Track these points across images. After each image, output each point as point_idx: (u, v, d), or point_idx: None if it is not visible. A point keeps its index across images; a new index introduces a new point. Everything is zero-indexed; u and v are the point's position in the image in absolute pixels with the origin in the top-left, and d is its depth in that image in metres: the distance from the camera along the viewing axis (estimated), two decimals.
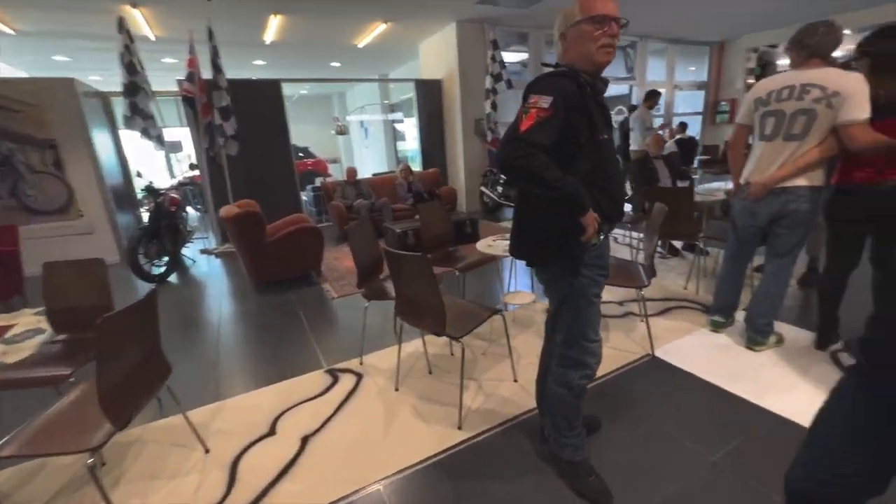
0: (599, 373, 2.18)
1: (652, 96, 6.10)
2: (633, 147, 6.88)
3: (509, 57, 7.16)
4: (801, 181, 2.02)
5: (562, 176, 1.22)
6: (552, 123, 1.21)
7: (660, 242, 4.10)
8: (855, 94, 1.83)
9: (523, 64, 7.41)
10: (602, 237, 1.38)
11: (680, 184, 4.15)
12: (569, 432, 1.52)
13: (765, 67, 8.60)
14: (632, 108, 7.47)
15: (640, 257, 3.82)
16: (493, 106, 6.27)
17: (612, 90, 11.10)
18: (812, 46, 1.97)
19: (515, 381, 2.18)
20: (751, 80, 8.89)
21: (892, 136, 1.87)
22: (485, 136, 6.52)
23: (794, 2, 6.59)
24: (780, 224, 2.13)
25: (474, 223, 5.01)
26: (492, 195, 6.33)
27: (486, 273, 3.85)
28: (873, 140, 1.82)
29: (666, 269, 3.68)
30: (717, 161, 7.08)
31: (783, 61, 9.48)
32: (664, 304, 2.97)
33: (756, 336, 2.33)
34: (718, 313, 2.56)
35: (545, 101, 1.22)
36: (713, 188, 4.14)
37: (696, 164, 7.66)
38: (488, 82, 6.22)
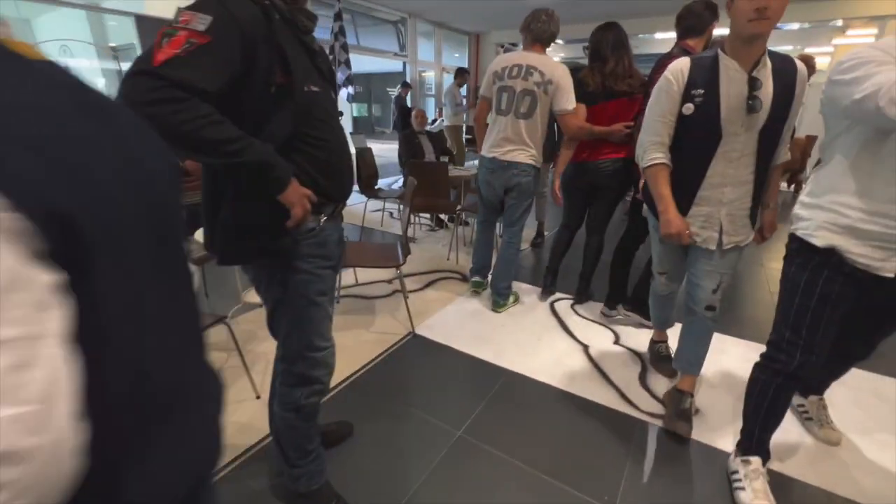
0: (358, 364, 2.00)
1: (461, 74, 6.30)
2: (445, 123, 7.00)
3: None
4: (524, 158, 2.24)
5: (239, 136, 0.86)
6: (214, 56, 0.83)
7: (429, 216, 4.28)
8: (565, 87, 2.09)
9: None
10: (324, 219, 1.10)
11: (442, 160, 4.39)
12: (301, 460, 1.24)
13: None
14: (405, 85, 7.63)
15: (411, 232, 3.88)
16: None
17: (387, 66, 11.32)
18: (535, 32, 2.16)
19: (258, 397, 1.79)
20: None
21: (601, 118, 2.20)
22: None
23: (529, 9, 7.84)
24: (509, 195, 2.36)
25: None
26: None
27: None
28: (580, 127, 2.16)
29: (433, 241, 3.85)
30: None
31: None
32: (430, 276, 3.05)
33: (498, 298, 2.57)
34: (477, 274, 2.77)
35: (201, 22, 0.82)
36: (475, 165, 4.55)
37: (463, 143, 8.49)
38: None
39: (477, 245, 2.74)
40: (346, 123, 8.36)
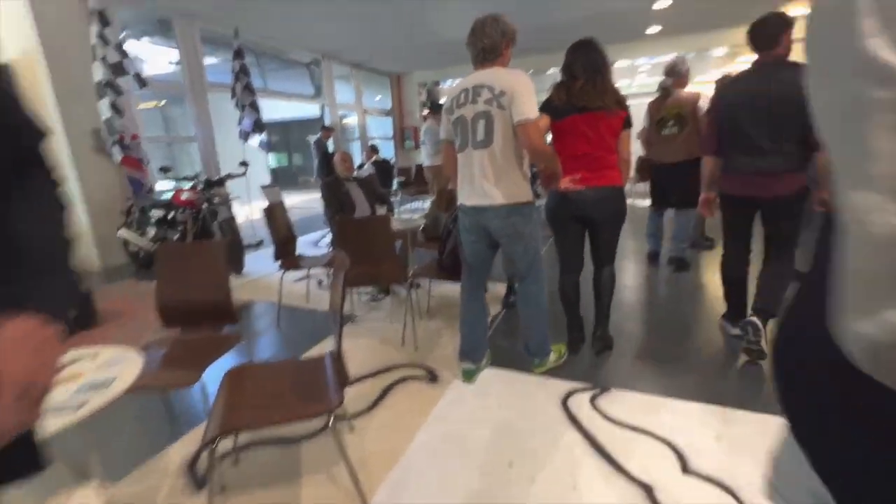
0: None
1: (437, 108, 5.71)
2: (426, 163, 6.12)
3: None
4: (503, 197, 1.83)
5: None
6: None
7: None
8: (522, 93, 1.71)
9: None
10: None
11: (380, 210, 3.56)
12: None
13: (433, 103, 9.75)
14: (325, 128, 6.82)
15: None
16: (116, 108, 4.21)
17: (306, 112, 10.55)
18: (479, 46, 1.81)
19: None
20: (425, 112, 10.00)
21: (567, 132, 1.98)
22: (110, 153, 4.35)
23: (452, 49, 7.55)
24: (504, 246, 1.95)
25: (87, 299, 2.95)
26: (140, 242, 4.24)
27: None
28: (543, 142, 1.81)
29: (379, 318, 2.93)
30: (412, 182, 7.37)
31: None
32: (380, 381, 2.12)
33: (536, 360, 2.13)
34: (467, 358, 2.11)
35: None
36: (412, 209, 3.78)
37: (395, 186, 7.78)
38: (101, 73, 4.13)
39: (465, 318, 2.12)
40: (262, 174, 7.34)
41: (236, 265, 3.95)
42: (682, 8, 6.07)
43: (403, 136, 10.09)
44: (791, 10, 6.67)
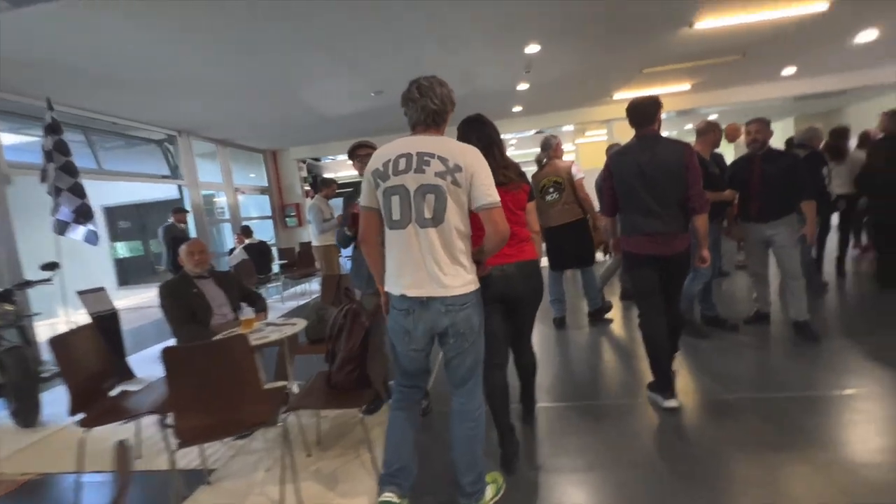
0: None
1: (327, 185, 5.11)
2: (314, 243, 5.35)
3: None
4: (455, 284, 1.51)
5: None
6: None
7: None
8: (483, 173, 1.50)
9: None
10: None
11: (246, 312, 2.84)
12: None
13: (315, 179, 9.33)
14: (178, 210, 5.84)
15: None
16: None
17: (159, 192, 9.21)
18: (419, 107, 1.55)
19: None
20: (307, 188, 9.47)
21: (507, 202, 1.77)
22: None
23: (330, 126, 7.34)
24: (445, 343, 1.57)
25: None
26: None
27: None
28: (507, 227, 1.55)
29: (245, 465, 2.16)
30: (297, 263, 6.62)
31: (333, 173, 10.89)
32: None
33: (470, 501, 1.64)
34: (392, 484, 1.63)
35: None
36: (298, 293, 3.13)
37: (276, 270, 6.91)
38: None
39: (391, 433, 1.70)
40: (93, 268, 5.86)
41: (25, 415, 2.76)
42: (537, 92, 6.81)
43: (284, 213, 9.33)
44: (616, 96, 8.17)
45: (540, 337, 3.76)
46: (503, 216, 1.51)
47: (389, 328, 1.63)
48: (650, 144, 2.26)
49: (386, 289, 1.61)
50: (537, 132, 9.68)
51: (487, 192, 1.48)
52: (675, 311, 2.45)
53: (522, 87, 6.34)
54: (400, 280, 1.54)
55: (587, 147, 11.78)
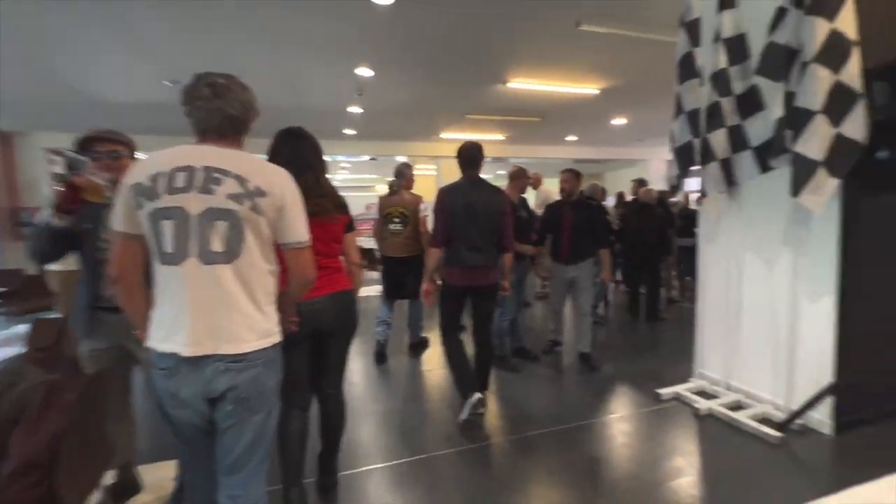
0: None
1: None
2: (52, 266, 3.49)
3: None
4: (248, 340, 1.15)
5: None
6: None
7: None
8: (295, 204, 1.23)
9: None
10: None
11: None
12: None
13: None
14: None
15: None
16: None
17: None
18: (209, 109, 1.17)
19: None
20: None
21: (319, 234, 1.53)
22: None
23: (112, 113, 5.63)
24: (220, 411, 1.16)
25: None
26: None
27: None
28: (315, 272, 1.34)
29: None
30: (23, 292, 4.71)
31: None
32: None
33: None
34: None
35: None
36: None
37: None
38: None
39: None
40: None
41: None
42: (371, 117, 6.71)
43: (17, 219, 6.78)
44: (443, 135, 8.79)
45: (361, 376, 3.43)
46: (311, 259, 1.29)
47: (162, 395, 1.16)
48: (477, 186, 2.53)
49: (151, 344, 1.15)
50: (371, 158, 9.59)
51: (298, 229, 1.23)
52: (486, 341, 2.65)
53: (355, 109, 6.14)
54: (173, 334, 1.11)
55: (416, 180, 12.45)
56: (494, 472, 2.11)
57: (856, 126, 1.90)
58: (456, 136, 8.33)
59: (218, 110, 1.17)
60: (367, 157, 9.43)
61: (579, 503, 1.86)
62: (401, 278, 3.60)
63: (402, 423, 2.64)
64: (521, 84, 5.19)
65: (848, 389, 2.26)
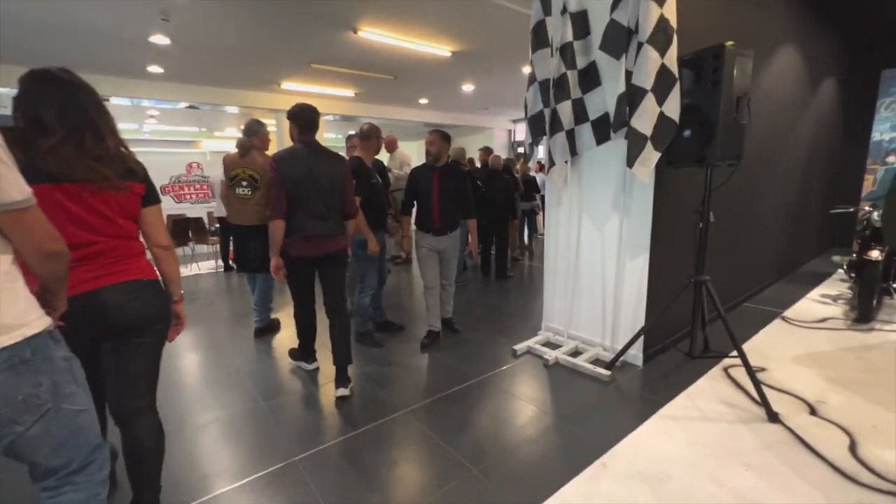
0: None
1: None
2: None
3: None
4: None
5: None
6: None
7: None
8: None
9: None
10: None
11: None
12: None
13: None
14: None
15: None
16: None
17: None
18: None
19: None
20: None
21: (96, 205, 1.29)
22: None
23: None
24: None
25: None
26: None
27: None
28: (56, 242, 1.03)
29: None
30: None
31: None
32: None
33: None
34: None
35: None
36: None
37: None
38: None
39: None
40: None
41: None
42: (185, 55, 5.39)
43: None
44: (286, 85, 7.70)
45: (192, 377, 2.82)
46: (42, 224, 0.98)
47: None
48: (317, 153, 2.44)
49: None
50: (189, 106, 7.88)
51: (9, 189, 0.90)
52: (340, 307, 2.61)
53: (160, 39, 4.80)
54: None
55: None
56: (363, 467, 1.95)
57: (673, 106, 2.19)
58: (300, 88, 7.39)
59: None
60: (183, 105, 7.70)
61: (451, 479, 1.85)
62: (252, 248, 3.19)
63: (251, 430, 2.25)
64: (373, 35, 4.77)
65: (651, 329, 2.76)
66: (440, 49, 5.38)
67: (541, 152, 3.28)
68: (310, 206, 2.38)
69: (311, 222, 2.39)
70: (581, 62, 2.66)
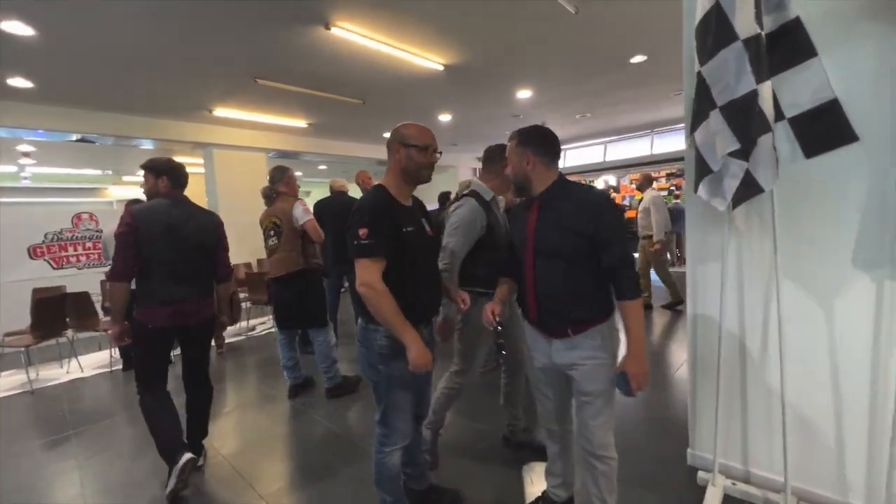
0: None
1: None
2: None
3: None
4: None
5: None
6: None
7: None
8: None
9: None
10: None
11: None
12: None
13: None
14: None
15: None
16: None
17: None
18: None
19: None
20: None
21: None
22: None
23: None
24: None
25: None
26: None
27: None
28: None
29: None
30: None
31: None
32: None
33: None
34: None
35: None
36: None
37: None
38: None
39: None
40: None
41: None
42: (61, 61, 3.73)
43: None
44: (219, 112, 6.02)
45: None
46: None
47: None
48: (184, 205, 2.19)
49: None
50: (80, 139, 5.91)
51: None
52: (205, 380, 2.33)
53: (16, 27, 3.12)
54: None
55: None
56: None
57: None
58: (236, 116, 5.82)
59: None
60: (74, 137, 5.75)
61: None
62: (288, 301, 3.07)
63: None
64: (351, 33, 3.49)
65: None
66: (432, 61, 4.23)
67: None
68: (168, 267, 2.09)
69: (171, 285, 2.10)
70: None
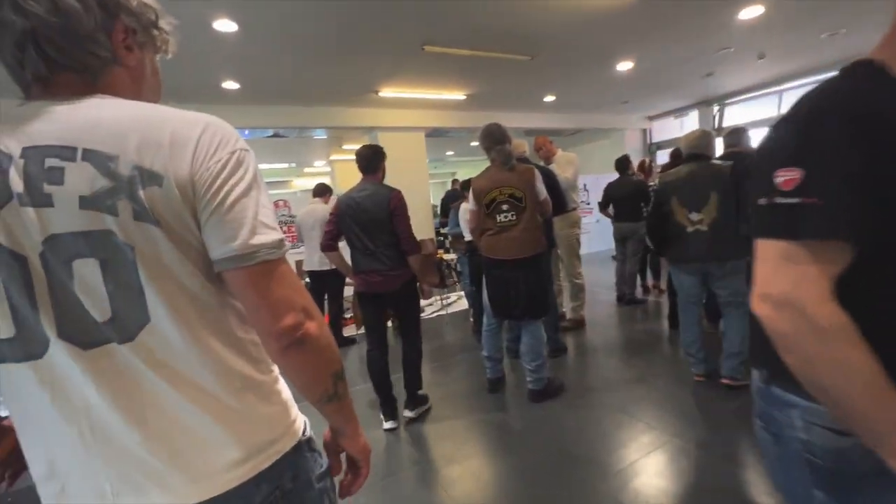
0: None
1: None
2: None
3: None
4: None
5: None
6: None
7: None
8: (236, 177, 0.66)
9: None
10: None
11: None
12: None
13: None
14: None
15: None
16: None
17: None
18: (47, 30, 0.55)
19: None
20: None
21: None
22: None
23: None
24: None
25: None
26: None
27: None
28: None
29: None
30: None
31: None
32: None
33: None
34: None
35: None
36: None
37: None
38: None
39: None
40: None
41: None
42: (257, 55, 3.93)
43: None
44: (384, 93, 6.03)
45: None
46: (292, 283, 0.63)
47: None
48: (372, 191, 2.56)
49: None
50: (273, 134, 6.65)
51: (248, 223, 0.59)
52: (411, 341, 2.71)
53: (225, 25, 3.34)
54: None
55: (346, 167, 9.28)
56: None
57: None
58: (399, 95, 5.74)
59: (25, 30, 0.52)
60: (269, 133, 6.49)
61: None
62: (514, 289, 2.80)
63: None
64: None
65: None
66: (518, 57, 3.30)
67: None
68: (357, 243, 2.57)
69: (361, 259, 2.58)
70: None
